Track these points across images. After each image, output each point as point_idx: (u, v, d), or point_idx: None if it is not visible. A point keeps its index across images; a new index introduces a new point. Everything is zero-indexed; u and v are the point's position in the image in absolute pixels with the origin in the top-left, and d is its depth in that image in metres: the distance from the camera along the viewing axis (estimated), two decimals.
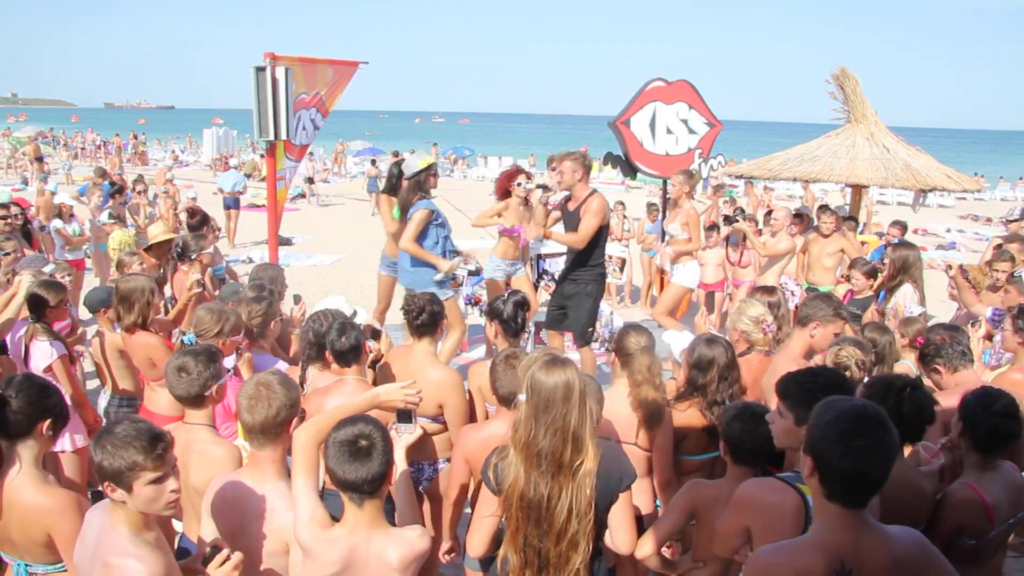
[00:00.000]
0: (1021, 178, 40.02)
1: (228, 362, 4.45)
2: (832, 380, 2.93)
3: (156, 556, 2.53)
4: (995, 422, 3.16)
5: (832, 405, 2.28)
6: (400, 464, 3.17)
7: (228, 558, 2.67)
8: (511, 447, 2.90)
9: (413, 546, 2.72)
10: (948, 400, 3.57)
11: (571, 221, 7.01)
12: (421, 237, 7.03)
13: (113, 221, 10.93)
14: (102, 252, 11.31)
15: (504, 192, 8.24)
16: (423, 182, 7.14)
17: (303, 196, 26.59)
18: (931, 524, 3.15)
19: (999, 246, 7.99)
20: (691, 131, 9.46)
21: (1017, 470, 3.36)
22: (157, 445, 2.53)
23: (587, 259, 7.00)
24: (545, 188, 7.47)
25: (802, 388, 2.92)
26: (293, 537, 2.81)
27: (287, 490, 2.90)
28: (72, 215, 11.24)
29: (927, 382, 4.46)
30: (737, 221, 9.52)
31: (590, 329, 7.18)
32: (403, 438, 3.23)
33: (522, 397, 2.86)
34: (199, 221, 8.95)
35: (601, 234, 6.97)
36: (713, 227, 10.87)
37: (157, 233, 7.78)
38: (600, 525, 2.98)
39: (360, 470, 2.61)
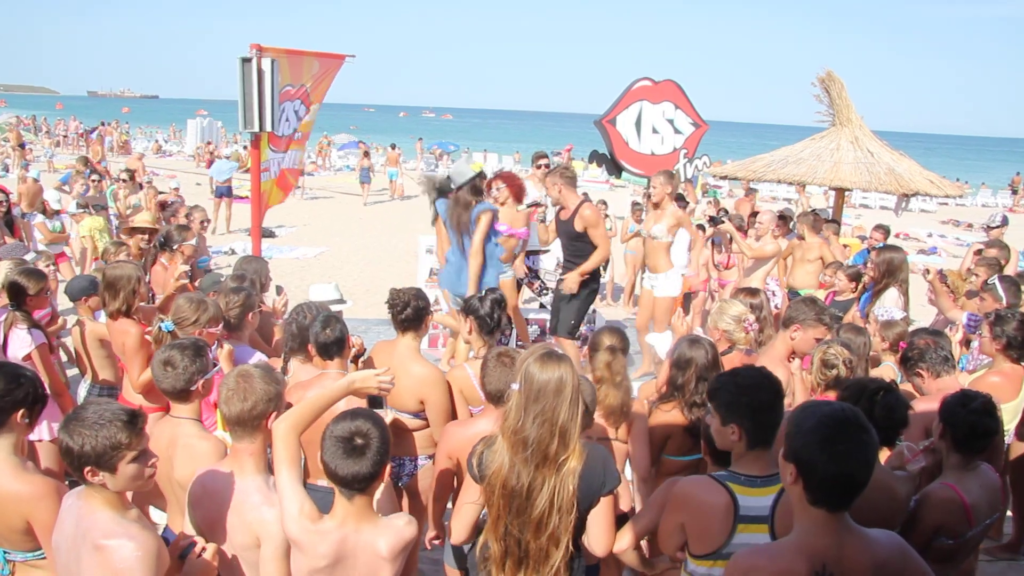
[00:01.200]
0: (1010, 185, 40.34)
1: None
2: (752, 380, 2.93)
3: (146, 533, 2.54)
4: (973, 419, 3.21)
5: (810, 411, 2.29)
6: None
7: (204, 550, 2.67)
8: (499, 435, 2.92)
9: (402, 535, 2.75)
10: (929, 405, 3.61)
11: (565, 229, 7.34)
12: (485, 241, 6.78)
13: (81, 210, 10.88)
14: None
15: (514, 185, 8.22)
16: (479, 186, 6.84)
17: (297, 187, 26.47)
18: (910, 524, 3.18)
19: (979, 252, 8.08)
20: (677, 131, 9.49)
21: (994, 472, 3.41)
22: (137, 421, 2.54)
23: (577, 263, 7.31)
24: (536, 204, 7.47)
25: (724, 388, 2.94)
26: (264, 532, 2.81)
27: (264, 484, 2.89)
28: (56, 212, 11.18)
29: (908, 386, 4.51)
30: (723, 222, 9.55)
31: (572, 322, 7.39)
32: None
33: (515, 386, 2.88)
34: (170, 212, 8.92)
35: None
36: (698, 227, 10.91)
37: (143, 221, 7.73)
38: (580, 525, 2.99)
39: (352, 467, 2.62)
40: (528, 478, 2.83)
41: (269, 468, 2.98)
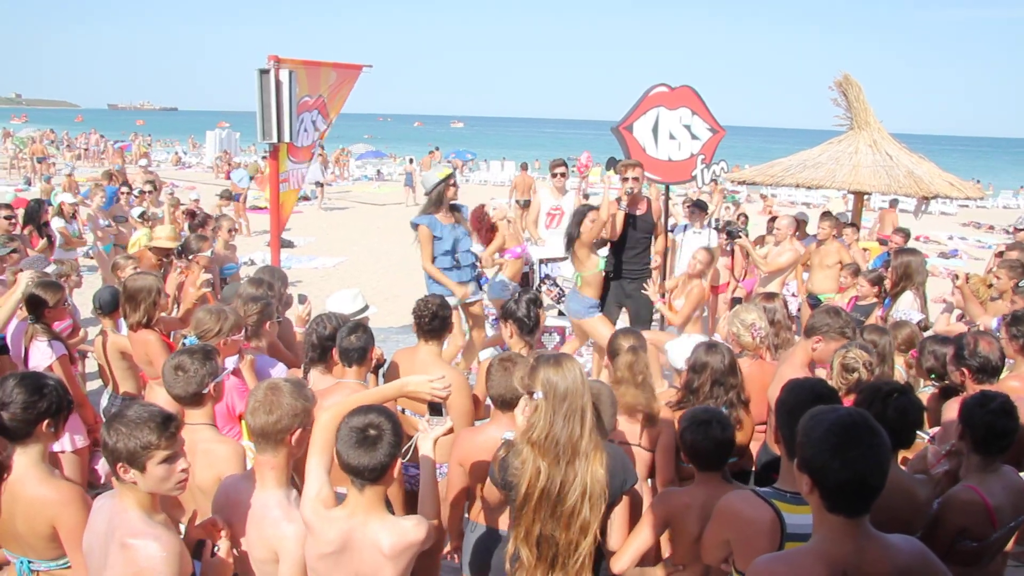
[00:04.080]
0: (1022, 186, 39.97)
1: (230, 363, 4.45)
2: (797, 392, 3.00)
3: (171, 535, 2.60)
4: (990, 419, 3.19)
5: (819, 419, 2.27)
6: (429, 454, 3.21)
7: (216, 547, 2.76)
8: (524, 444, 2.95)
9: (406, 535, 2.77)
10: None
11: (644, 223, 7.86)
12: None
13: (139, 220, 11.02)
14: (104, 253, 11.33)
15: (482, 227, 8.41)
16: (442, 194, 7.19)
17: (306, 199, 26.64)
18: (933, 526, 3.16)
19: (1000, 254, 7.99)
20: (694, 137, 9.43)
21: (1017, 473, 3.37)
22: (170, 424, 2.61)
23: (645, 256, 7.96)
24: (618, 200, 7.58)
25: (780, 401, 3.02)
26: (282, 548, 2.83)
27: (284, 499, 2.91)
28: (75, 216, 11.24)
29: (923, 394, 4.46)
30: (739, 237, 9.59)
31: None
32: (434, 430, 3.27)
33: (538, 395, 2.93)
34: (198, 223, 8.98)
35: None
36: (727, 223, 10.91)
37: (163, 236, 7.78)
38: (604, 522, 3.03)
39: (364, 457, 2.68)
40: (561, 476, 2.89)
41: (292, 483, 3.01)
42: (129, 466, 2.57)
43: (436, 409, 3.29)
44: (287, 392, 2.96)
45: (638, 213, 7.80)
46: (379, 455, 2.69)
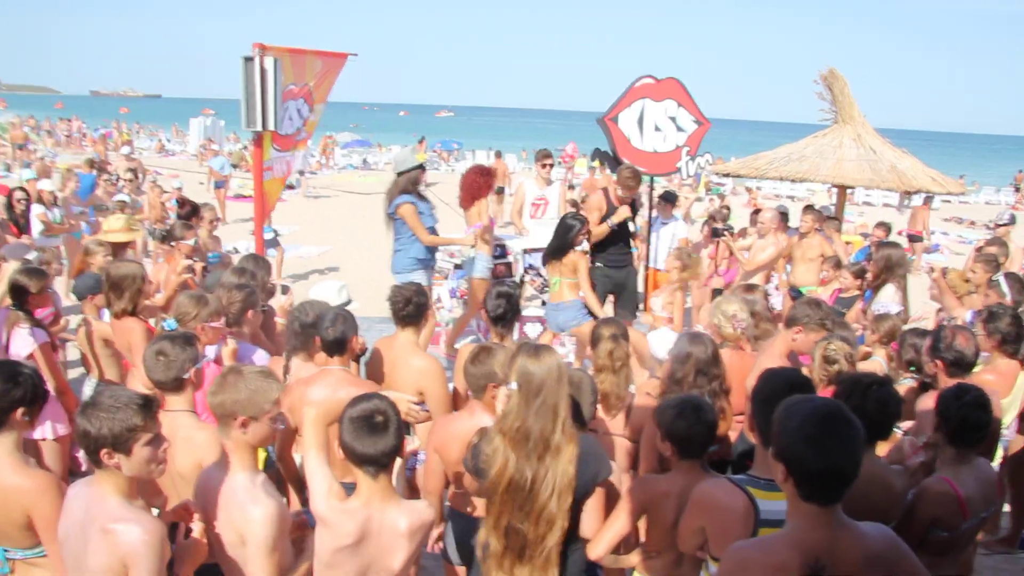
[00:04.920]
0: (1013, 182, 40.20)
1: (211, 350, 4.44)
2: (773, 382, 3.06)
3: (153, 520, 2.61)
4: (965, 412, 3.23)
5: (793, 409, 2.30)
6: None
7: (189, 528, 2.79)
8: (496, 434, 2.97)
9: (422, 516, 2.86)
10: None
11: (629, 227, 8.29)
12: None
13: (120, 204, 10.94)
14: (75, 240, 11.25)
15: (474, 194, 8.28)
16: (416, 179, 7.47)
17: (291, 187, 26.53)
18: (907, 517, 3.20)
19: (980, 249, 8.08)
20: (679, 129, 9.49)
21: (990, 465, 3.42)
22: (151, 405, 2.63)
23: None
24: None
25: (756, 391, 3.07)
26: (248, 531, 2.83)
27: (249, 482, 2.90)
28: (55, 203, 11.15)
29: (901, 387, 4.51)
30: (724, 235, 9.69)
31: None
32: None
33: (512, 386, 2.94)
34: (188, 211, 8.91)
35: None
36: (705, 222, 10.98)
37: (117, 228, 7.61)
38: (576, 514, 3.04)
39: (378, 444, 2.73)
40: (532, 471, 2.90)
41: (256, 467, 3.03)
42: (115, 451, 2.56)
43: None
44: (242, 379, 2.93)
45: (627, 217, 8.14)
46: (390, 438, 2.75)
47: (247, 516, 2.83)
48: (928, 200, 17.08)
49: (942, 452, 3.33)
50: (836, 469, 2.21)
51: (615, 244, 8.18)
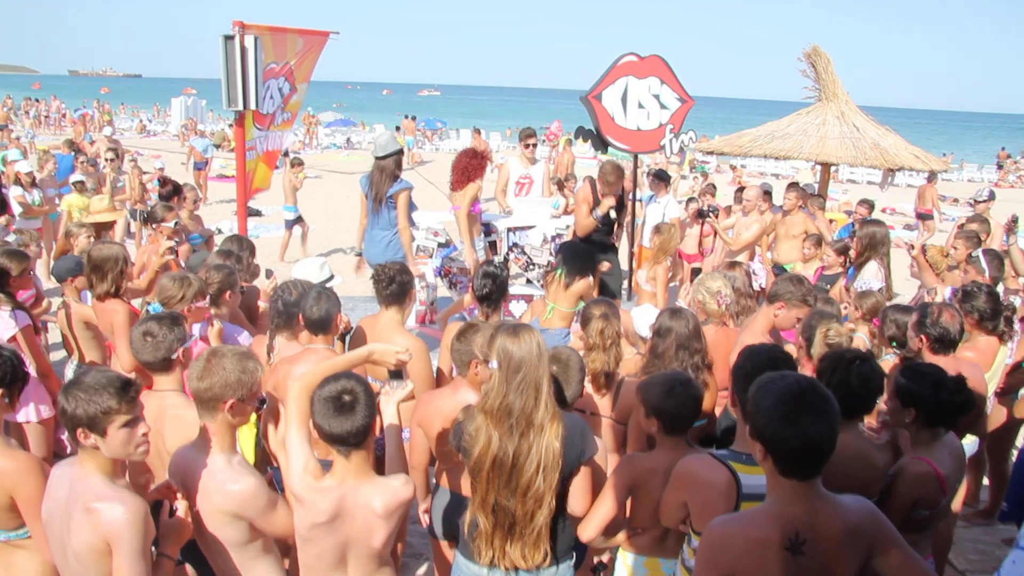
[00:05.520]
0: (996, 159, 40.41)
1: (197, 329, 4.44)
2: (754, 358, 3.11)
3: (135, 498, 2.60)
4: (945, 398, 3.23)
5: (767, 388, 2.32)
6: (392, 419, 3.25)
7: (174, 507, 2.80)
8: (478, 412, 2.97)
9: (397, 494, 2.85)
10: None
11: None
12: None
13: (77, 184, 10.80)
14: (51, 222, 11.16)
15: (469, 176, 8.26)
16: (400, 162, 7.49)
17: (275, 167, 26.37)
18: (889, 498, 3.23)
19: (962, 226, 8.15)
20: (663, 106, 9.48)
21: (957, 439, 3.46)
22: (129, 389, 2.62)
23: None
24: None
25: (737, 366, 3.13)
26: (235, 508, 2.86)
27: (227, 463, 2.91)
28: (34, 184, 11.03)
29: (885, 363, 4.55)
30: (709, 217, 9.74)
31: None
32: (396, 393, 3.31)
33: (493, 364, 2.94)
34: (170, 191, 8.85)
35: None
36: (690, 200, 11.04)
37: (100, 209, 7.58)
38: (562, 492, 3.05)
39: (345, 423, 2.73)
40: (514, 447, 2.90)
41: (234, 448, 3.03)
42: (89, 431, 2.57)
43: (396, 374, 3.32)
44: (227, 361, 2.93)
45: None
46: (358, 419, 2.75)
47: (227, 494, 2.85)
48: (932, 178, 17.16)
49: (917, 432, 3.34)
50: (813, 445, 2.24)
51: (598, 229, 8.27)
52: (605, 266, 7.19)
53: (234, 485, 2.85)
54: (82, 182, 11.07)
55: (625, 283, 8.68)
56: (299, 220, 14.11)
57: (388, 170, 7.32)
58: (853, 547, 2.32)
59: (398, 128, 32.13)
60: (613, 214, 8.38)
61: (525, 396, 2.89)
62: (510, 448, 2.90)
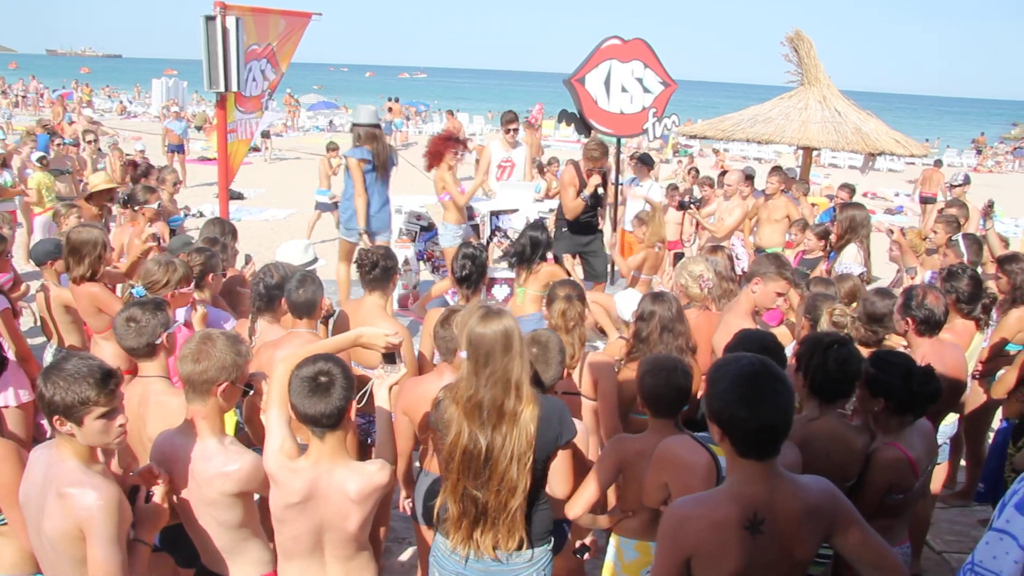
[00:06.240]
0: (974, 144, 40.67)
1: (181, 314, 4.41)
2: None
3: (109, 484, 2.58)
4: (915, 388, 3.26)
5: (723, 371, 2.34)
6: (384, 403, 3.23)
7: (150, 492, 2.77)
8: (450, 403, 2.97)
9: (372, 479, 2.82)
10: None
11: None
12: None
13: (39, 165, 10.68)
14: (27, 204, 11.05)
15: (438, 155, 8.33)
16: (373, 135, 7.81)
17: (256, 149, 26.15)
18: (862, 484, 3.27)
19: (941, 211, 8.22)
20: (646, 90, 9.47)
21: (927, 421, 3.49)
22: (109, 381, 2.58)
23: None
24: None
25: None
26: (241, 486, 2.87)
27: (218, 445, 2.92)
28: (7, 164, 10.89)
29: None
30: (689, 208, 9.79)
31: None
32: (389, 378, 3.29)
33: (463, 354, 2.92)
34: (141, 173, 8.80)
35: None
36: (672, 187, 11.05)
37: (98, 182, 7.61)
38: (539, 476, 3.04)
39: (319, 404, 2.71)
40: (487, 440, 2.89)
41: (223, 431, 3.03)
42: (65, 419, 2.54)
43: (390, 358, 3.31)
44: (219, 344, 2.94)
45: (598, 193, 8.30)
46: (334, 400, 2.72)
47: (229, 475, 2.85)
48: (938, 162, 17.31)
49: (888, 419, 3.37)
50: (768, 426, 2.25)
51: (586, 214, 8.30)
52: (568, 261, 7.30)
53: (235, 464, 2.86)
54: (44, 157, 10.95)
55: (610, 266, 8.69)
56: (335, 206, 13.26)
57: (380, 137, 7.67)
58: (811, 526, 2.33)
59: (390, 110, 32.26)
60: (601, 190, 8.38)
61: (495, 387, 2.86)
62: (483, 442, 2.88)
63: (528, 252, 5.79)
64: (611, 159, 8.73)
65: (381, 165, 7.75)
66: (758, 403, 2.23)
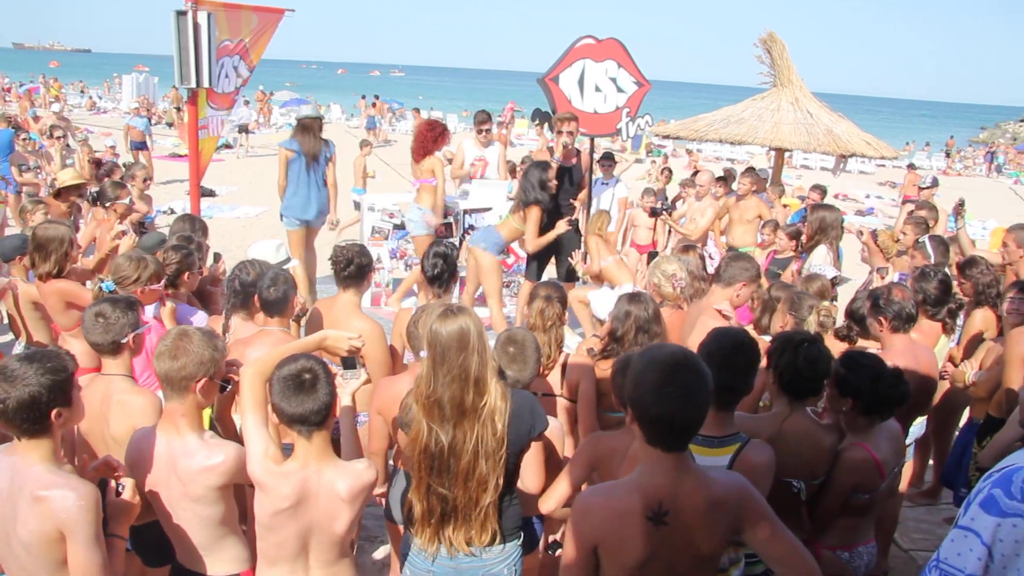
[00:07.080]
0: (944, 149, 41.25)
1: (150, 310, 4.37)
2: (715, 342, 3.09)
3: (85, 484, 2.54)
4: (883, 391, 3.31)
5: (647, 357, 2.34)
6: (348, 404, 3.25)
7: (121, 487, 2.74)
8: (413, 401, 2.97)
9: (361, 477, 2.81)
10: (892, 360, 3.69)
11: (577, 176, 8.18)
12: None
13: None
14: None
15: (425, 148, 8.29)
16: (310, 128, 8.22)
17: (229, 146, 25.92)
18: (828, 484, 3.30)
19: (911, 213, 8.32)
20: (619, 90, 9.49)
21: (895, 422, 3.54)
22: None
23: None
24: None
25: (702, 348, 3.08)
26: (226, 479, 2.87)
27: (199, 441, 2.91)
28: None
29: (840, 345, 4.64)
30: (661, 214, 9.86)
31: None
32: (349, 384, 3.30)
33: (423, 353, 2.93)
34: (105, 172, 8.71)
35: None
36: (646, 190, 11.12)
37: (66, 179, 7.53)
38: (511, 470, 3.05)
39: (306, 403, 2.69)
40: (448, 438, 2.88)
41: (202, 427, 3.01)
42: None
43: (349, 363, 3.30)
44: (196, 340, 2.93)
45: (571, 164, 8.06)
46: (320, 396, 2.71)
47: (213, 468, 2.85)
48: (911, 165, 17.63)
49: (855, 420, 3.41)
50: (674, 417, 2.25)
51: (562, 203, 8.14)
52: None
53: (218, 457, 2.86)
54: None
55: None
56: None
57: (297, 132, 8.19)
58: (716, 519, 2.33)
59: (374, 106, 32.65)
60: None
61: (453, 385, 2.84)
62: (444, 439, 2.87)
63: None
64: (584, 156, 8.69)
65: (311, 156, 8.13)
66: (667, 393, 2.23)
